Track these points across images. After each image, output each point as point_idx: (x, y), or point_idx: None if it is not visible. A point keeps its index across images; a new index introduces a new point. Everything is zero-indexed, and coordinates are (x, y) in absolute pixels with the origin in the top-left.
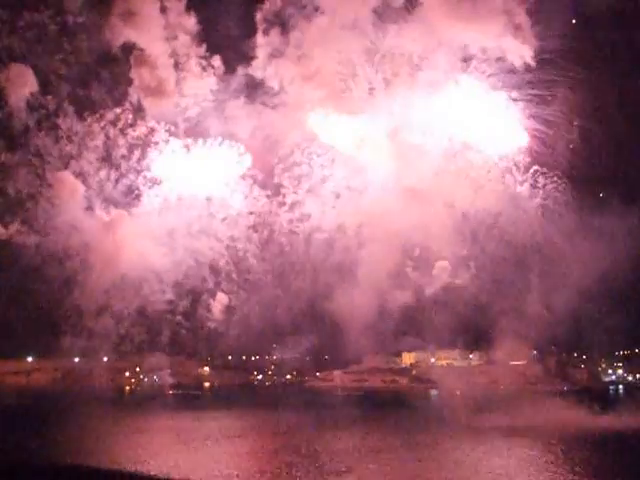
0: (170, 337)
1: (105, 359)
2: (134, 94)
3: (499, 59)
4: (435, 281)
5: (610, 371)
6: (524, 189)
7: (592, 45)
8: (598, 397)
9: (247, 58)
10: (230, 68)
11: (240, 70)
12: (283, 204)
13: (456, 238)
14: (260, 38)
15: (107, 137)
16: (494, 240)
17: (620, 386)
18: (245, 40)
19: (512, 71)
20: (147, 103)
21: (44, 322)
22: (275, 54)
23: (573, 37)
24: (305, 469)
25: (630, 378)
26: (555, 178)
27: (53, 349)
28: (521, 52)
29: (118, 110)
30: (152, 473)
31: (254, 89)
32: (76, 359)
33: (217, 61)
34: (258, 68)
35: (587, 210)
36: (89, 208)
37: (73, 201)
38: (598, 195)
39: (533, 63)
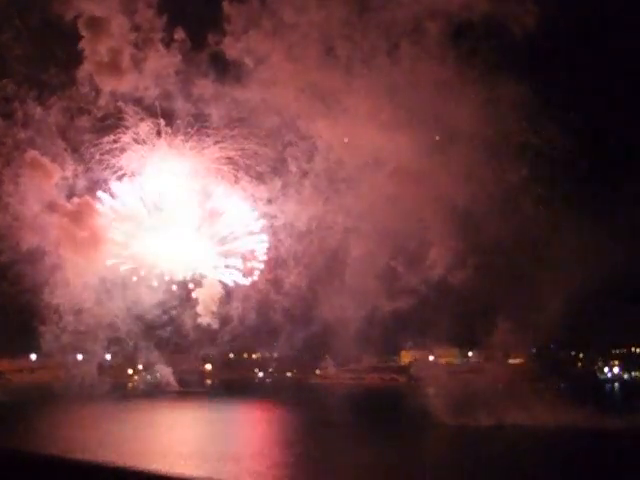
0: (170, 334)
1: (108, 357)
2: (89, 73)
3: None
4: (430, 273)
5: (606, 369)
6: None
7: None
8: (594, 394)
9: (216, 31)
10: (197, 42)
11: (208, 45)
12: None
13: (450, 232)
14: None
15: (69, 122)
16: (489, 236)
17: (616, 384)
18: (213, 10)
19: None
20: (103, 82)
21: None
22: (248, 26)
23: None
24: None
25: (626, 376)
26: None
27: (53, 348)
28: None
29: (77, 91)
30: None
31: (224, 66)
32: (79, 357)
33: (181, 34)
34: (229, 42)
35: (586, 206)
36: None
37: (39, 192)
38: (599, 190)
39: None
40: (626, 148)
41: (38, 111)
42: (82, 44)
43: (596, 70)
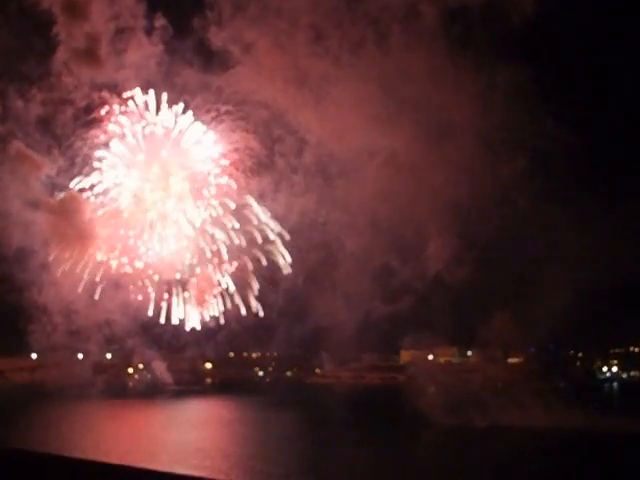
0: (168, 333)
1: (109, 356)
2: (68, 62)
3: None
4: (427, 268)
5: (605, 368)
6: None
7: None
8: (593, 394)
9: (200, 18)
10: (180, 30)
11: (192, 33)
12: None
13: (446, 227)
14: None
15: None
16: (487, 231)
17: (615, 383)
18: None
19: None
20: (82, 72)
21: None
22: (233, 13)
23: None
24: None
25: (624, 375)
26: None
27: (45, 347)
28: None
29: (58, 81)
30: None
31: (210, 55)
32: (80, 356)
33: (163, 21)
34: (213, 30)
35: (585, 202)
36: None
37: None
38: (599, 185)
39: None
40: (626, 141)
41: (19, 104)
42: (60, 31)
43: (596, 60)
